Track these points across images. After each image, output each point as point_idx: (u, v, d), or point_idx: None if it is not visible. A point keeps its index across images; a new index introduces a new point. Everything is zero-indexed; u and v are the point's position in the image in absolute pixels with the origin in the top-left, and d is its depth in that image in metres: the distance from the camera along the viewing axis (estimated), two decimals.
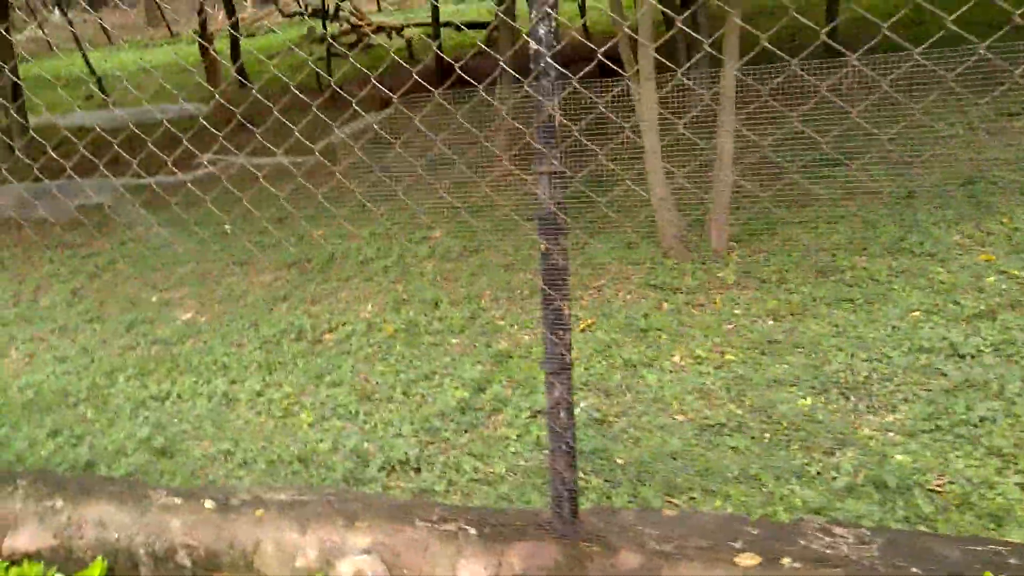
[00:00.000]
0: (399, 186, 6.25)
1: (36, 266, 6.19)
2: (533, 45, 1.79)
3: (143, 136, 3.30)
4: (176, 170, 6.69)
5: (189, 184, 4.25)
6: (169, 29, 22.63)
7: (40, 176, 3.38)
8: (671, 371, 3.45)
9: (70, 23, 17.00)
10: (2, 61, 7.40)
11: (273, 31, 19.92)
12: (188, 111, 11.52)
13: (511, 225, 5.67)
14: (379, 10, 20.01)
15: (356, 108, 2.56)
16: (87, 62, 14.49)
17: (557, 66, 1.80)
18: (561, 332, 1.91)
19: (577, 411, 3.25)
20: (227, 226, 6.39)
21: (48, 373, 4.22)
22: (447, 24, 15.63)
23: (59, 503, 2.31)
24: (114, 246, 6.45)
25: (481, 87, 2.44)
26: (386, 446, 3.10)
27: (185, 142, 2.96)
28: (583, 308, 4.34)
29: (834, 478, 2.54)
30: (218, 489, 2.31)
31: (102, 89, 14.17)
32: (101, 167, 3.33)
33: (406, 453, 3.00)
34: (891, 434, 2.75)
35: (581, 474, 2.75)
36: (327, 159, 7.47)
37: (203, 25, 11.92)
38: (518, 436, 3.08)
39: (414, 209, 6.00)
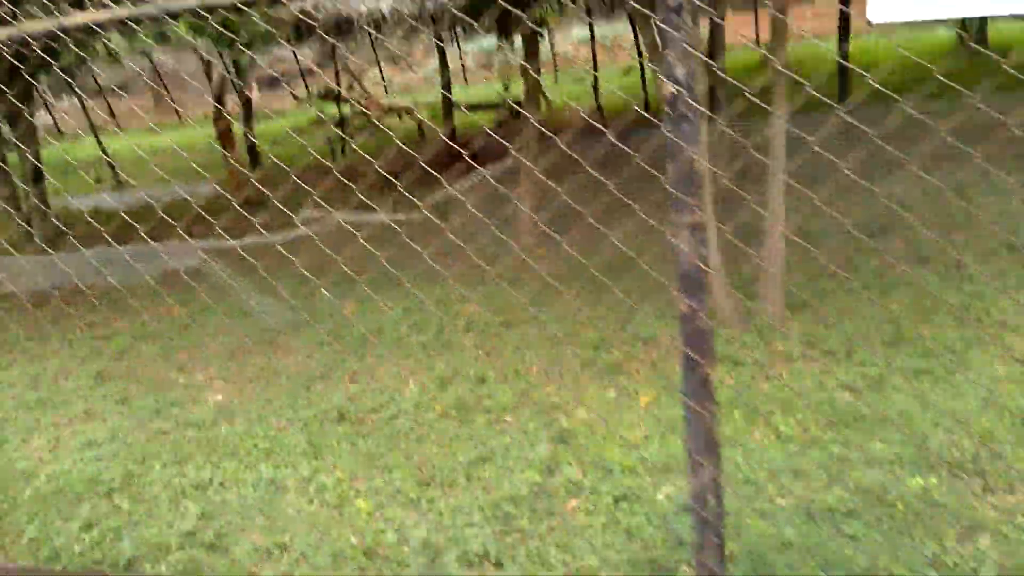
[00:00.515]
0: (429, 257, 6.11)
1: (54, 347, 5.97)
2: (671, 87, 1.66)
3: (164, 215, 3.17)
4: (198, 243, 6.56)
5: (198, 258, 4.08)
6: (178, 114, 23.03)
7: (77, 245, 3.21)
8: (755, 450, 3.22)
9: (83, 108, 17.25)
10: (25, 145, 7.39)
11: (269, 116, 20.26)
12: (203, 190, 11.51)
13: (547, 296, 5.51)
14: (386, 93, 20.43)
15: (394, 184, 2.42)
16: (100, 145, 14.60)
17: (701, 108, 1.67)
18: (707, 403, 1.72)
19: (660, 497, 3.01)
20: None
21: (75, 460, 3.95)
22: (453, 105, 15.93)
23: None
24: (135, 324, 6.25)
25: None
26: (458, 537, 2.84)
27: (209, 217, 2.81)
28: (639, 382, 4.13)
29: (975, 568, 2.29)
30: None
31: (114, 171, 14.24)
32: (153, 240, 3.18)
33: (483, 545, 2.74)
34: (1021, 518, 2.52)
35: (685, 567, 2.50)
36: (341, 231, 7.37)
37: (219, 105, 12.03)
38: (604, 525, 2.82)
39: (447, 281, 5.85)
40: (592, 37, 16.53)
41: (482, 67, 20.42)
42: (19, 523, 3.28)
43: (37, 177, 7.59)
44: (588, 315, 5.11)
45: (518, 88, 16.85)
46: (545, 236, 6.83)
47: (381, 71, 20.78)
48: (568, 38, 20.65)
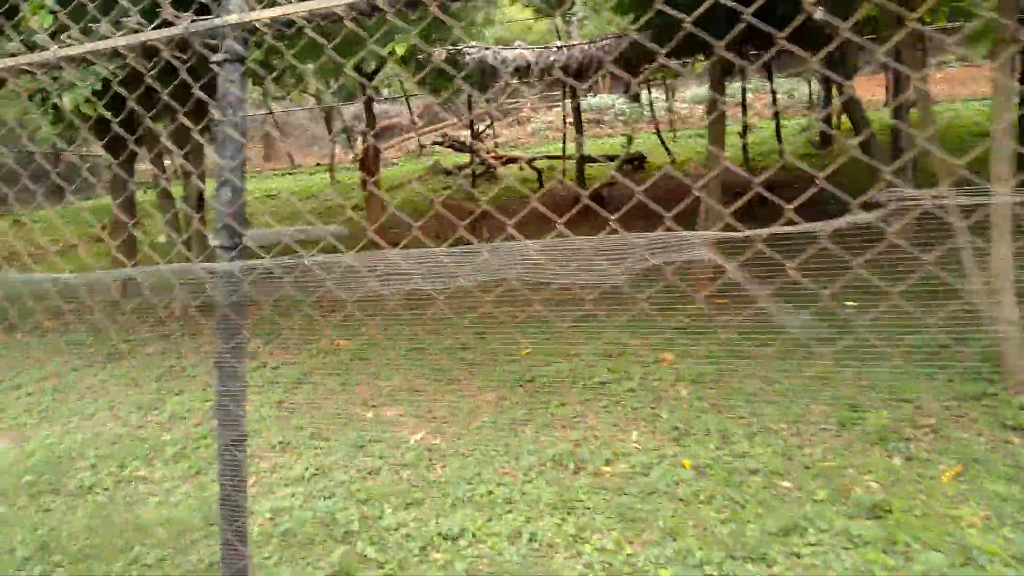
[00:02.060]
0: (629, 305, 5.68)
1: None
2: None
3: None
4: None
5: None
6: (291, 159, 23.69)
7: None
8: None
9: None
10: (192, 171, 7.38)
11: (388, 163, 20.55)
12: (329, 231, 11.51)
13: (745, 349, 4.97)
14: (495, 146, 20.51)
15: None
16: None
17: None
18: None
19: None
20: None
21: (289, 496, 3.59)
22: (570, 157, 15.76)
23: None
24: (300, 356, 5.99)
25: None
26: None
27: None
28: (927, 450, 3.53)
29: None
30: None
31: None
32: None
33: None
34: None
35: None
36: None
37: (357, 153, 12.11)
38: None
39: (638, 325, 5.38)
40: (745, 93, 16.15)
41: (590, 122, 20.29)
42: (266, 565, 2.90)
43: (200, 205, 7.57)
44: (822, 369, 4.54)
45: (627, 143, 16.60)
46: (725, 287, 6.33)
47: (491, 125, 20.93)
48: (682, 97, 20.40)
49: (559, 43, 10.29)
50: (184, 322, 7.08)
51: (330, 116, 19.25)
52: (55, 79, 4.80)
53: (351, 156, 20.71)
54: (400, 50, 4.81)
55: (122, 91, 2.23)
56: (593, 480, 3.53)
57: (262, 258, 1.96)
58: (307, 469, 3.92)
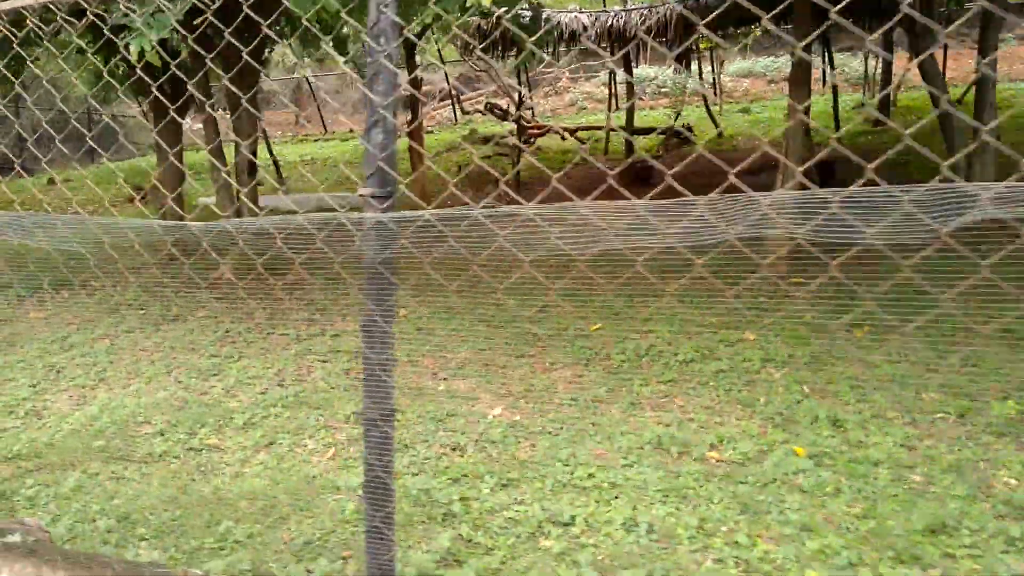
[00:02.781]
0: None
1: (285, 345, 5.55)
2: None
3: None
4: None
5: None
6: (324, 126, 23.44)
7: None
8: None
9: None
10: (244, 139, 7.14)
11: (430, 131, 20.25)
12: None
13: (821, 332, 4.69)
14: (533, 116, 20.11)
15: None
16: (271, 153, 14.73)
17: None
18: None
19: None
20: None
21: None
22: (613, 129, 15.37)
23: None
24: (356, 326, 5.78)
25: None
26: None
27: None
28: None
29: None
30: None
31: (279, 175, 14.30)
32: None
33: None
34: None
35: None
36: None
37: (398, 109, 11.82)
38: None
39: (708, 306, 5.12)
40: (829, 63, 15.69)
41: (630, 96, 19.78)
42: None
43: (252, 171, 7.34)
44: (926, 356, 4.26)
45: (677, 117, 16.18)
46: (795, 267, 6.03)
47: (524, 95, 20.50)
48: (726, 71, 19.82)
49: (615, 8, 9.88)
50: (235, 285, 6.89)
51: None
52: (123, 28, 4.55)
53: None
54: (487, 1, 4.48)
55: (186, 40, 1.96)
56: (701, 467, 3.29)
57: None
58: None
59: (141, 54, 4.50)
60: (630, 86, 17.04)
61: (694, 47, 15.05)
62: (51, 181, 16.71)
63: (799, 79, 6.72)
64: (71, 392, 4.75)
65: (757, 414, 3.82)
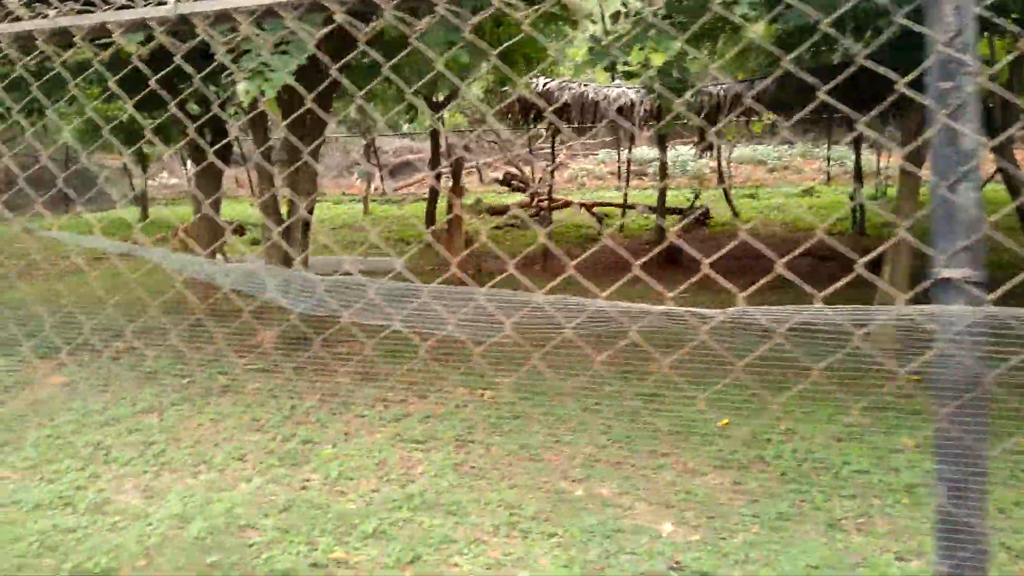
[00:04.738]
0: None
1: (368, 430, 4.84)
2: None
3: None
4: None
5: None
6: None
7: None
8: None
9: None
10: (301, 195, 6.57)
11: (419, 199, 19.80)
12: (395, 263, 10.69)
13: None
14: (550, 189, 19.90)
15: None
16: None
17: None
18: None
19: None
20: None
21: None
22: (631, 207, 15.16)
23: None
24: (448, 407, 5.10)
25: None
26: None
27: None
28: None
29: None
30: None
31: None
32: None
33: None
34: None
35: None
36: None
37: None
38: None
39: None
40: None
41: (635, 174, 19.82)
42: None
43: (305, 233, 6.74)
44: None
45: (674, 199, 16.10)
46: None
47: (529, 169, 20.37)
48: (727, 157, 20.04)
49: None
50: (285, 353, 6.16)
51: (370, 145, 18.56)
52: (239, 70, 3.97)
53: (374, 188, 19.92)
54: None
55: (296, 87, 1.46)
56: None
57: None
58: (567, 568, 3.05)
59: (255, 99, 3.92)
60: (629, 164, 16.97)
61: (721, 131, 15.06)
62: (26, 231, 15.67)
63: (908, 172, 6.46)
64: (132, 480, 3.96)
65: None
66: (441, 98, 12.73)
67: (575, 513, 3.60)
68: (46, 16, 1.72)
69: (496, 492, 3.82)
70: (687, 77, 3.98)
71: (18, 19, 1.76)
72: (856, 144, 12.67)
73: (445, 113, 15.35)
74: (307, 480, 3.95)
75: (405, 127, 22.78)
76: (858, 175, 12.60)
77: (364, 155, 19.44)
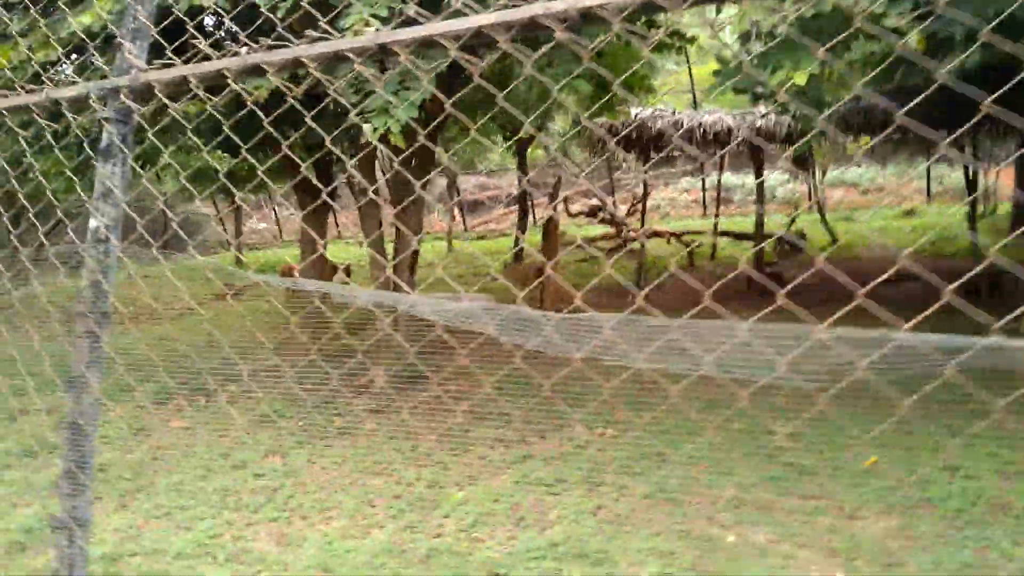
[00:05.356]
0: None
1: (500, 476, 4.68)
2: None
3: None
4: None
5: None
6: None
7: None
8: None
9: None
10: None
11: (481, 237, 19.84)
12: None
13: None
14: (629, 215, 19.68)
15: None
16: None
17: None
18: None
19: None
20: None
21: None
22: (724, 234, 14.76)
23: None
24: (566, 444, 4.90)
25: None
26: None
27: None
28: None
29: None
30: None
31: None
32: None
33: None
34: None
35: None
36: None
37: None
38: None
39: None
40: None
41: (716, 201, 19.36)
42: None
43: (412, 268, 6.72)
44: None
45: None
46: None
47: (605, 198, 20.18)
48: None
49: (762, 109, 9.41)
50: (397, 391, 6.10)
51: (453, 183, 18.77)
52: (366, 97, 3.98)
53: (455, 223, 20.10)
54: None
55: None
56: None
57: None
58: None
59: (383, 136, 3.91)
60: (719, 191, 16.57)
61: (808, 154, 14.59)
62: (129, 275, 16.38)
63: None
64: (264, 526, 3.90)
65: None
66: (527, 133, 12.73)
67: (733, 562, 3.34)
68: (237, 54, 1.66)
69: (641, 540, 3.59)
70: (822, 95, 3.77)
71: (207, 58, 1.71)
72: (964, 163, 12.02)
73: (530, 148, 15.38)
74: (440, 526, 3.81)
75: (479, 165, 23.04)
76: (971, 194, 11.92)
77: (447, 193, 19.67)
